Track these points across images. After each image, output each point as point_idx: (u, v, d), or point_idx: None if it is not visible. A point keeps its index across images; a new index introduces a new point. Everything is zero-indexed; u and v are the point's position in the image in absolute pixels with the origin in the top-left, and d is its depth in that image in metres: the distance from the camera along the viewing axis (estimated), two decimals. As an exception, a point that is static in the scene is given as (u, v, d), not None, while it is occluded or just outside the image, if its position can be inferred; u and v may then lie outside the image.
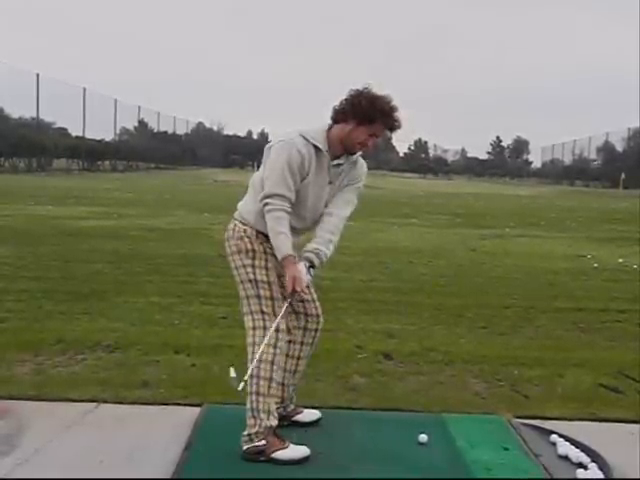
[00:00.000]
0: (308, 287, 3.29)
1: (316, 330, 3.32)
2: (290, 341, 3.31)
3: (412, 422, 3.56)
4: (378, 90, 3.08)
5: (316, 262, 3.08)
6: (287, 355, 3.32)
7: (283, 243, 2.98)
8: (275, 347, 3.05)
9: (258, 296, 3.08)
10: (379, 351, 4.88)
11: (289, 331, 3.30)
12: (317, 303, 3.33)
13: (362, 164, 3.25)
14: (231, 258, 3.16)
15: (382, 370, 4.51)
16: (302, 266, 3.03)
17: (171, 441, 3.21)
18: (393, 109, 3.08)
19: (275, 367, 3.06)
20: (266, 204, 2.99)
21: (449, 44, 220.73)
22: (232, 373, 2.89)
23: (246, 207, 3.19)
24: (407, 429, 3.44)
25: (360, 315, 5.96)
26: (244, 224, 3.15)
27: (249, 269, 3.09)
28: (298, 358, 3.33)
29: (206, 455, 3.09)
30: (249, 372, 3.04)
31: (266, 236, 3.10)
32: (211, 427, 3.40)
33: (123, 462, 3.01)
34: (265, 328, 3.05)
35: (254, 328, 3.08)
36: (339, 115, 3.10)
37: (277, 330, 3.05)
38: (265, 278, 3.08)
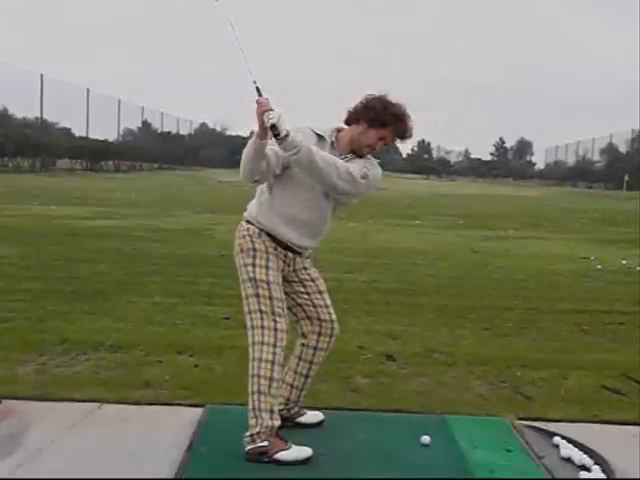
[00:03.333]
0: (321, 293, 3.29)
1: (330, 336, 3.31)
2: (304, 345, 3.31)
3: (415, 423, 3.56)
4: (394, 98, 3.12)
5: (283, 124, 2.79)
6: (300, 358, 3.32)
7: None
8: (275, 346, 3.04)
9: (257, 295, 3.07)
10: (382, 352, 4.88)
11: (304, 336, 3.31)
12: (331, 309, 3.31)
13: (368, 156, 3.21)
14: (236, 258, 3.17)
15: (385, 371, 4.51)
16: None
17: (173, 441, 3.21)
18: (405, 116, 3.11)
19: (276, 366, 3.04)
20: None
21: (451, 43, 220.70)
22: None
23: (253, 205, 3.21)
24: (410, 430, 3.44)
25: (363, 316, 5.96)
26: (249, 222, 3.16)
27: (249, 268, 3.09)
28: (311, 362, 3.32)
29: (208, 456, 3.09)
30: (249, 372, 3.04)
31: (268, 234, 3.11)
32: (214, 428, 3.40)
33: (126, 462, 3.01)
34: (263, 327, 3.04)
35: (253, 327, 3.08)
36: (352, 116, 3.15)
37: (276, 329, 3.05)
38: (264, 277, 3.08)
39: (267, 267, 3.09)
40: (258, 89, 2.86)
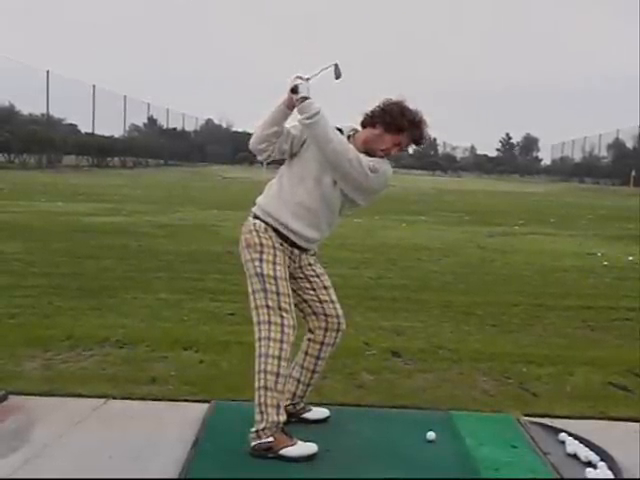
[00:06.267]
0: (326, 288, 3.29)
1: (337, 331, 3.31)
2: (310, 340, 3.31)
3: (420, 420, 3.55)
4: (411, 103, 3.13)
5: (304, 89, 2.93)
6: (306, 353, 3.32)
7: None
8: (282, 342, 3.03)
9: (264, 290, 3.06)
10: (387, 348, 4.88)
11: (311, 331, 3.31)
12: (337, 305, 3.31)
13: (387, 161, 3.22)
14: (242, 254, 3.16)
15: (390, 367, 4.51)
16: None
17: (179, 438, 3.21)
18: (422, 122, 3.12)
19: (283, 362, 3.04)
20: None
21: (457, 41, 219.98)
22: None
23: (262, 196, 3.21)
24: (415, 427, 3.43)
25: (368, 312, 5.95)
26: (256, 217, 3.16)
27: (256, 263, 3.09)
28: (317, 358, 3.32)
29: (214, 452, 3.09)
30: (256, 367, 3.04)
31: (275, 230, 3.11)
32: (219, 423, 3.40)
33: (131, 458, 3.02)
34: (270, 323, 3.04)
35: (259, 323, 3.07)
36: (368, 119, 3.15)
37: (283, 325, 3.04)
38: (272, 272, 3.07)
39: (274, 262, 3.08)
40: (308, 79, 2.98)
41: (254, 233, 3.12)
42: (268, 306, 3.06)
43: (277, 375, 3.02)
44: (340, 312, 3.32)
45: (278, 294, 3.06)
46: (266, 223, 3.12)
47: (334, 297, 3.32)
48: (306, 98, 2.91)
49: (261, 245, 3.10)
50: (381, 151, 3.12)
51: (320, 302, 3.27)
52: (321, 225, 3.18)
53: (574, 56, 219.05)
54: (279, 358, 3.02)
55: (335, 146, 2.97)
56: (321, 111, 2.93)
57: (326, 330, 3.29)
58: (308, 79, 2.96)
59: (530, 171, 73.30)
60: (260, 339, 3.06)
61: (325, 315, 3.28)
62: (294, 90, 2.91)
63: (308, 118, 2.92)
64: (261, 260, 3.08)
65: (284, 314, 3.06)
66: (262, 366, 3.03)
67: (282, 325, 3.04)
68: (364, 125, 3.18)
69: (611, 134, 56.34)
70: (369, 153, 3.11)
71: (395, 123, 3.06)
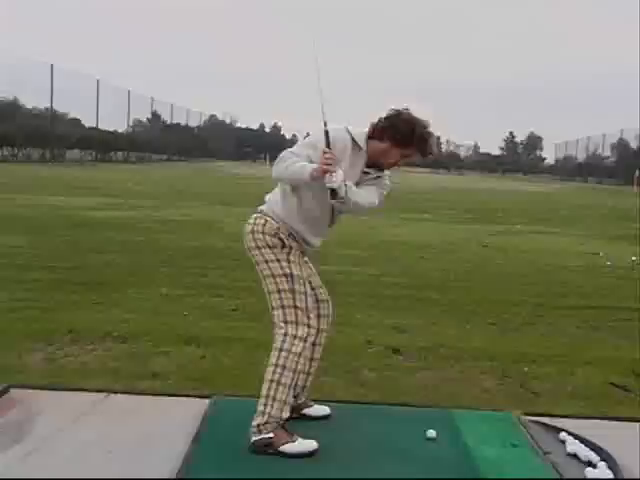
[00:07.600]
0: (316, 275, 3.36)
1: (328, 316, 3.38)
2: None
3: (421, 417, 3.55)
4: (417, 113, 3.11)
5: (341, 189, 2.93)
6: None
7: (301, 165, 2.91)
8: (305, 341, 3.09)
9: (292, 290, 3.10)
10: (389, 346, 4.88)
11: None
12: (324, 289, 3.38)
13: (387, 174, 3.27)
14: (258, 252, 3.13)
15: (391, 365, 4.51)
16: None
17: (180, 432, 3.22)
18: (430, 135, 3.12)
19: (301, 360, 3.09)
20: (279, 158, 2.97)
21: (461, 40, 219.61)
22: None
23: (277, 203, 3.19)
24: (416, 424, 3.43)
25: (370, 310, 5.96)
26: (276, 221, 3.14)
27: (284, 263, 3.11)
28: (313, 344, 3.34)
29: (215, 447, 3.09)
30: (272, 360, 3.06)
31: (293, 236, 3.14)
32: (220, 419, 3.41)
33: (132, 453, 3.02)
34: (297, 323, 3.08)
35: (286, 322, 3.10)
36: (376, 132, 3.13)
37: (309, 326, 3.11)
38: (300, 273, 3.13)
39: (299, 264, 3.14)
40: (327, 134, 2.93)
41: (281, 235, 3.12)
42: (296, 306, 3.10)
43: (294, 371, 3.07)
44: (328, 297, 3.40)
45: (306, 294, 3.14)
46: (286, 229, 3.14)
47: (320, 282, 3.40)
48: (343, 198, 2.94)
49: (289, 247, 3.13)
50: (388, 163, 3.15)
51: (312, 289, 3.31)
52: (322, 232, 3.27)
53: (576, 55, 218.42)
54: (299, 355, 3.08)
55: (361, 210, 3.13)
56: (353, 197, 2.98)
57: (319, 317, 3.34)
58: (327, 130, 2.93)
59: (533, 170, 73.24)
60: (286, 335, 3.08)
61: (317, 301, 3.33)
62: (333, 196, 2.91)
63: (340, 204, 3.02)
64: (289, 261, 3.12)
65: (310, 315, 3.14)
66: (281, 360, 3.05)
67: (308, 326, 3.12)
68: (371, 136, 3.15)
69: (615, 134, 56.32)
70: (377, 164, 3.14)
71: (404, 138, 3.07)
